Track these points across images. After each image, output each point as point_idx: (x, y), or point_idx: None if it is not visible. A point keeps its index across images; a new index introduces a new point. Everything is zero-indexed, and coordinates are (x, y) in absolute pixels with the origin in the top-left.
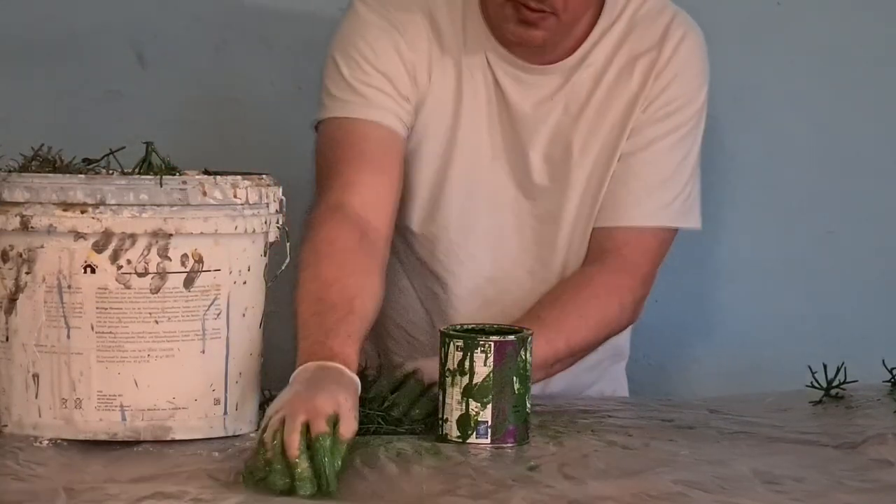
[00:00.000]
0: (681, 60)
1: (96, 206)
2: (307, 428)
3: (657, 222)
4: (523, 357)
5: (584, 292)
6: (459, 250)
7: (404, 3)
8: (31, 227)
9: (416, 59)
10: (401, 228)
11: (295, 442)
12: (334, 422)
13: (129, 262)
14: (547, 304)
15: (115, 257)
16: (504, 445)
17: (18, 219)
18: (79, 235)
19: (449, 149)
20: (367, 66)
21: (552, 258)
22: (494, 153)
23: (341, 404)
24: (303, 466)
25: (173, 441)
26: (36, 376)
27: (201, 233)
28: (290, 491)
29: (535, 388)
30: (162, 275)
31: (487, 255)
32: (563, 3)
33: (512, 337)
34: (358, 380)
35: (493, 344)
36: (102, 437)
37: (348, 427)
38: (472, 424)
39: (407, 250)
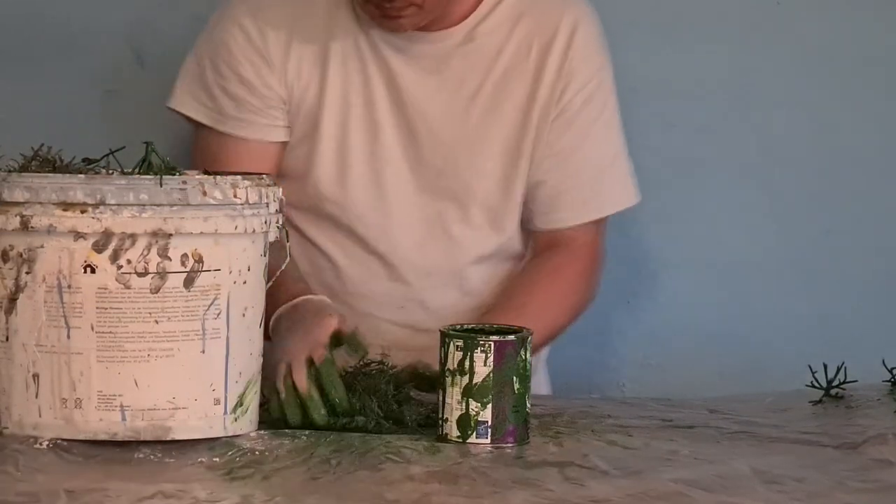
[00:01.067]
0: (580, 43)
1: (96, 205)
2: (312, 361)
3: (607, 212)
4: (523, 357)
5: (560, 279)
6: (338, 224)
7: None
8: (31, 227)
9: (276, 47)
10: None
11: (302, 378)
12: (335, 341)
13: (129, 261)
14: (525, 292)
15: (115, 257)
16: (504, 445)
17: (18, 219)
18: (79, 235)
19: (315, 124)
20: (228, 72)
21: (447, 235)
22: (378, 125)
23: (328, 323)
24: (315, 397)
25: (173, 441)
26: (36, 376)
27: (201, 233)
28: (304, 419)
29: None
30: (162, 275)
31: (369, 229)
32: None
33: (512, 337)
34: (326, 298)
35: (493, 344)
36: (102, 436)
37: (343, 321)
38: (472, 424)
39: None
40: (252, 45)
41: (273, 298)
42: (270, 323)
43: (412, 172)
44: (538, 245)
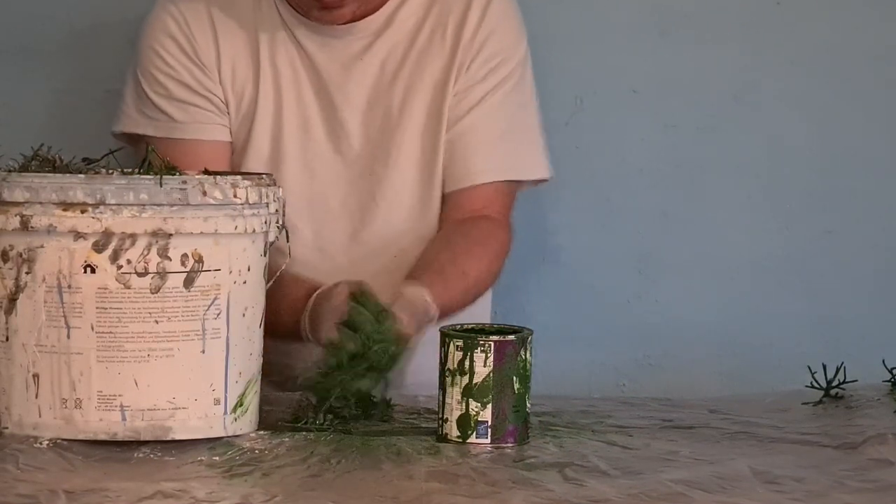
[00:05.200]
0: (493, 19)
1: (96, 205)
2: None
3: (507, 176)
4: (523, 357)
5: (490, 249)
6: None
7: None
8: (31, 227)
9: (207, 53)
10: None
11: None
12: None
13: (129, 261)
14: (462, 255)
15: (115, 257)
16: (504, 445)
17: (18, 219)
18: (79, 235)
19: (248, 123)
20: (166, 80)
21: (375, 220)
22: (306, 120)
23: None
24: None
25: (173, 441)
26: (36, 376)
27: (201, 233)
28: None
29: None
30: (162, 275)
31: (308, 225)
32: None
33: (512, 337)
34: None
35: (492, 344)
36: (102, 436)
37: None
38: (472, 424)
39: None
40: (184, 53)
41: (281, 302)
42: (305, 325)
43: (343, 163)
44: (449, 217)
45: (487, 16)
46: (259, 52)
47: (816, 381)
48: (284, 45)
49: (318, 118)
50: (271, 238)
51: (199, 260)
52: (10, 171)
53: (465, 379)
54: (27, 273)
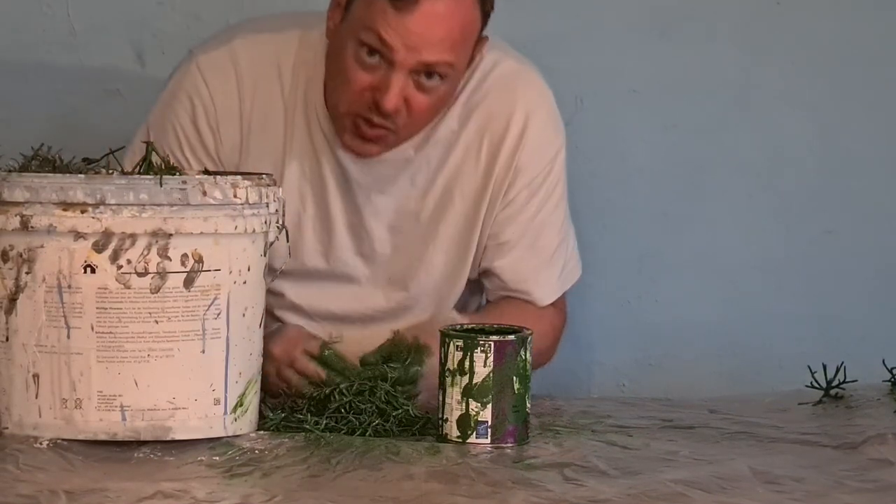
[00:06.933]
0: (531, 141)
1: (96, 205)
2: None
3: (561, 291)
4: (523, 357)
5: (528, 315)
6: (293, 308)
7: (222, 72)
8: (31, 227)
9: (230, 151)
10: None
11: (312, 369)
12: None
13: (129, 261)
14: (495, 315)
15: (115, 257)
16: (504, 445)
17: (18, 219)
18: (79, 235)
19: None
20: (172, 161)
21: (394, 322)
22: (332, 224)
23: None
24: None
25: (173, 441)
26: (36, 376)
27: (201, 233)
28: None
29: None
30: (162, 275)
31: (319, 316)
32: (405, 119)
33: (512, 337)
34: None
35: (492, 344)
36: (102, 437)
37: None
38: (472, 424)
39: None
40: (203, 147)
41: None
42: None
43: (366, 266)
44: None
45: (526, 137)
46: (285, 157)
47: (816, 381)
48: (314, 147)
49: (342, 222)
50: (271, 238)
51: (199, 260)
52: (10, 171)
53: (465, 379)
54: (27, 273)
